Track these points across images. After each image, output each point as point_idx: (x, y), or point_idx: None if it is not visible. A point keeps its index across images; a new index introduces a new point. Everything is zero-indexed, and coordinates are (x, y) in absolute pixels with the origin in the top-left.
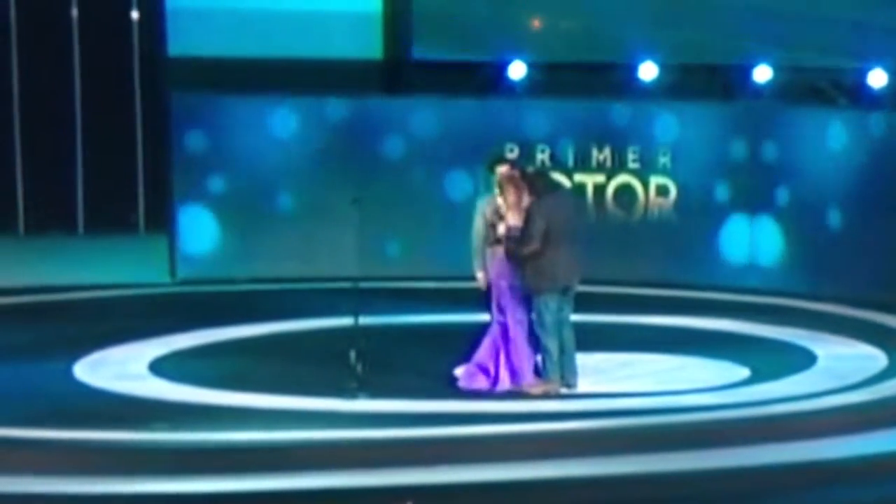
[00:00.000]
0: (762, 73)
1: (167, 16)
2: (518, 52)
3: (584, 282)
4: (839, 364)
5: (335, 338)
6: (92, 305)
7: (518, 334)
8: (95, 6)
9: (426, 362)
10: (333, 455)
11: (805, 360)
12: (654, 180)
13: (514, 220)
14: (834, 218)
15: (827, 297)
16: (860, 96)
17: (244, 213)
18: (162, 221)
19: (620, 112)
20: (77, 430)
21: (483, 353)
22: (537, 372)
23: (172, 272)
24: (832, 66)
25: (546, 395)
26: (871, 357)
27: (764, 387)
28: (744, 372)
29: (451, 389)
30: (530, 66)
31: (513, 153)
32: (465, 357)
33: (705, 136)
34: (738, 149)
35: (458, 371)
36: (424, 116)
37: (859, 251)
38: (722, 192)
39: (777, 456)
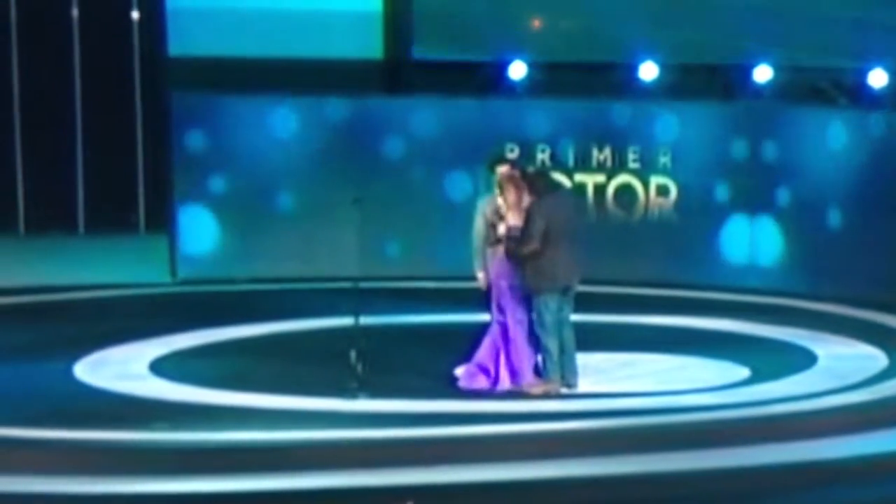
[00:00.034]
0: (762, 73)
1: (167, 16)
2: (518, 52)
3: (585, 282)
4: (839, 364)
5: (335, 338)
6: (92, 305)
7: (518, 334)
8: (96, 6)
9: (426, 362)
10: (334, 455)
11: (805, 360)
12: (655, 180)
13: (514, 219)
14: (834, 218)
15: (827, 297)
16: (860, 96)
17: (244, 212)
18: (162, 221)
19: (621, 112)
20: (77, 430)
21: (483, 353)
22: (538, 372)
23: (173, 272)
24: (832, 65)
25: (546, 395)
26: (872, 357)
27: (764, 387)
28: (744, 372)
29: (452, 389)
30: (531, 65)
31: (513, 153)
32: (466, 357)
33: (705, 136)
34: (739, 149)
35: (459, 371)
36: (425, 116)
37: (859, 251)
38: (722, 192)
39: (777, 456)
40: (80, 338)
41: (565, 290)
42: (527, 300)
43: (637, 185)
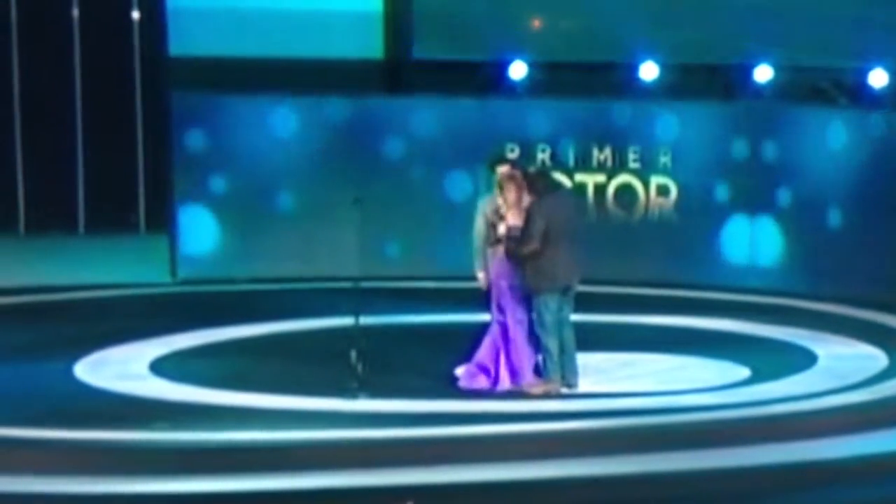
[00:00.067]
0: (763, 73)
1: (168, 15)
2: (519, 52)
3: (585, 282)
4: (839, 364)
5: (336, 338)
6: (92, 305)
7: (518, 334)
8: (96, 6)
9: (426, 362)
10: (334, 455)
11: (805, 360)
12: (655, 180)
13: (514, 219)
14: (834, 218)
15: (827, 297)
16: (861, 96)
17: (245, 212)
18: (162, 221)
19: (621, 112)
20: (78, 430)
21: (483, 353)
22: (538, 372)
23: (173, 272)
24: (833, 65)
25: (547, 395)
26: (872, 357)
27: (764, 387)
28: (744, 372)
29: (452, 389)
30: (531, 65)
31: (513, 153)
32: (466, 357)
33: (706, 136)
34: (739, 149)
35: (459, 371)
36: (425, 116)
37: (860, 251)
38: (722, 192)
39: (777, 456)
40: (81, 338)
41: (565, 290)
42: (527, 300)
43: (637, 184)
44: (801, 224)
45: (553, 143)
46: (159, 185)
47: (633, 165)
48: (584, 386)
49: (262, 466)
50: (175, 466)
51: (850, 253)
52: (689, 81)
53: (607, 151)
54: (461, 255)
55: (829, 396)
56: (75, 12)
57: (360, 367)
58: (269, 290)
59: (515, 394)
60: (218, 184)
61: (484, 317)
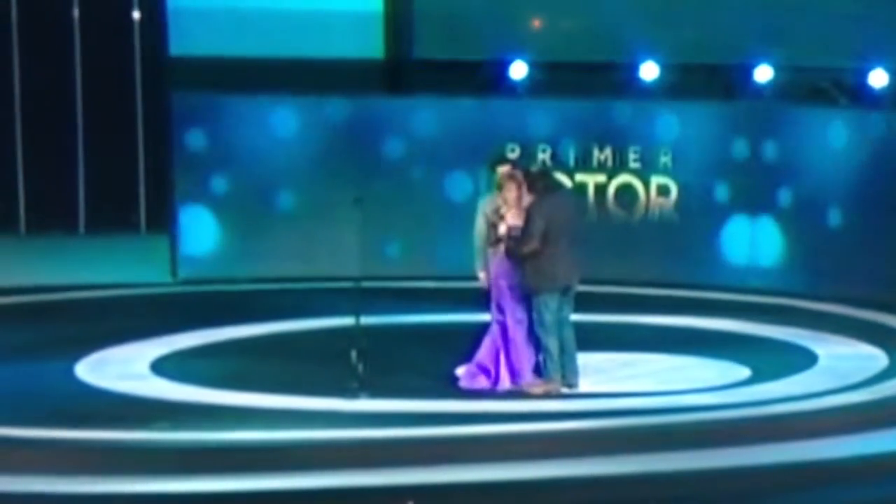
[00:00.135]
0: (763, 73)
1: (168, 15)
2: (519, 52)
3: (585, 282)
4: (840, 364)
5: (336, 337)
6: (93, 305)
7: (518, 334)
8: (97, 6)
9: (427, 362)
10: (334, 455)
11: (806, 360)
12: (655, 180)
13: (514, 219)
14: (835, 218)
15: (827, 297)
16: (861, 96)
17: (245, 212)
18: (163, 221)
19: (621, 112)
20: (78, 429)
21: (483, 353)
22: (538, 372)
23: (173, 272)
24: (833, 66)
25: (547, 395)
26: (872, 357)
27: (765, 387)
28: (745, 372)
29: (452, 389)
30: (531, 65)
31: (514, 153)
32: (467, 357)
33: (706, 136)
34: (739, 149)
35: (460, 371)
36: (425, 116)
37: (860, 251)
38: (723, 192)
39: (778, 456)
40: (81, 338)
41: (565, 290)
42: (526, 300)
43: (638, 184)
44: (802, 224)
45: (553, 143)
46: (160, 185)
47: (633, 165)
48: (584, 386)
49: (262, 466)
50: (175, 466)
51: (850, 253)
52: (690, 81)
53: (608, 151)
54: (461, 255)
55: (829, 396)
56: (76, 12)
57: (360, 367)
58: (270, 290)
59: (516, 394)
60: (218, 184)
61: (484, 317)
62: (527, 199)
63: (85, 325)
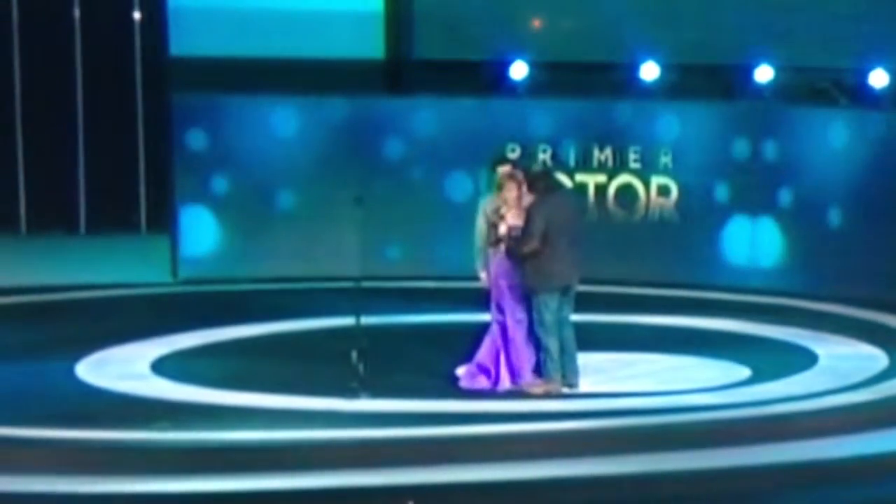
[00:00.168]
0: (763, 73)
1: (169, 15)
2: (519, 52)
3: (586, 282)
4: (840, 364)
5: (337, 337)
6: (94, 305)
7: (518, 334)
8: (97, 6)
9: (427, 362)
10: (334, 455)
11: (806, 360)
12: (656, 180)
13: (514, 219)
14: (835, 218)
15: (828, 297)
16: (861, 96)
17: (246, 212)
18: (163, 221)
19: (622, 112)
20: (79, 429)
21: (484, 353)
22: (538, 372)
23: (174, 272)
24: (833, 66)
25: (547, 395)
26: (872, 357)
27: (765, 387)
28: (745, 372)
29: (453, 389)
30: (532, 65)
31: (514, 153)
32: (467, 357)
33: (706, 136)
34: (740, 149)
35: (460, 371)
36: (426, 116)
37: (860, 251)
38: (723, 192)
39: (778, 456)
40: (82, 337)
41: (565, 290)
42: (526, 300)
43: (638, 185)
44: (802, 224)
45: (554, 143)
46: (160, 185)
47: (633, 165)
48: (584, 386)
49: (262, 466)
50: (175, 466)
51: (850, 253)
52: (690, 81)
53: (608, 151)
54: (461, 255)
55: (829, 396)
56: (76, 12)
57: (360, 367)
58: (270, 290)
59: (516, 394)
60: (219, 184)
61: (484, 317)
62: (527, 198)
63: (85, 324)
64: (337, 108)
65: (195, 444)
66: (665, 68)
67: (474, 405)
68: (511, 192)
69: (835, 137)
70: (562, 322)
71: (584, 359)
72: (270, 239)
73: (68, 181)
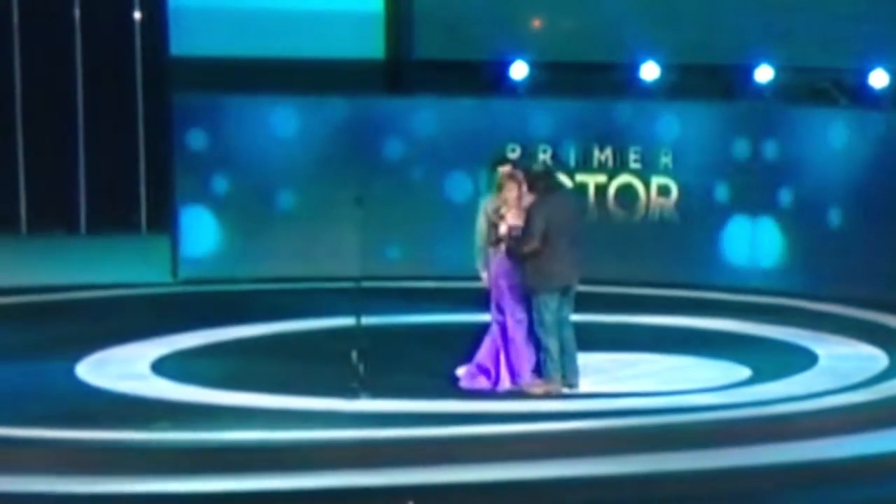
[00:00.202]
0: (764, 74)
1: (169, 15)
2: (520, 52)
3: (586, 282)
4: (840, 364)
5: (337, 338)
6: (94, 305)
7: (518, 334)
8: (98, 6)
9: (427, 362)
10: (335, 455)
11: (806, 360)
12: (656, 180)
13: (514, 219)
14: (835, 218)
15: (828, 298)
16: (861, 96)
17: (246, 212)
18: (164, 221)
19: (622, 112)
20: (79, 429)
21: (484, 353)
22: (538, 372)
23: (174, 272)
24: (833, 66)
25: (547, 395)
26: (872, 357)
27: (765, 387)
28: (745, 372)
29: (453, 389)
30: (532, 65)
31: (515, 153)
32: (467, 357)
33: (707, 136)
34: (740, 149)
35: (460, 371)
36: (426, 116)
37: (860, 251)
38: (723, 192)
39: (778, 456)
40: (82, 337)
41: (565, 290)
42: (526, 300)
43: (638, 185)
44: (802, 224)
45: (554, 143)
46: (160, 185)
47: (633, 166)
48: (584, 386)
49: (262, 466)
50: (175, 466)
51: (850, 253)
52: (690, 81)
53: (608, 151)
54: (461, 255)
55: (829, 396)
56: (77, 12)
57: (360, 368)
58: (270, 290)
59: (516, 394)
60: (219, 184)
61: (484, 317)
62: (527, 198)
63: (86, 325)
64: (337, 108)
65: (195, 445)
66: (665, 68)
67: (474, 405)
68: (511, 192)
69: (835, 137)
70: (562, 322)
71: (585, 359)
72: (270, 239)
73: (69, 181)
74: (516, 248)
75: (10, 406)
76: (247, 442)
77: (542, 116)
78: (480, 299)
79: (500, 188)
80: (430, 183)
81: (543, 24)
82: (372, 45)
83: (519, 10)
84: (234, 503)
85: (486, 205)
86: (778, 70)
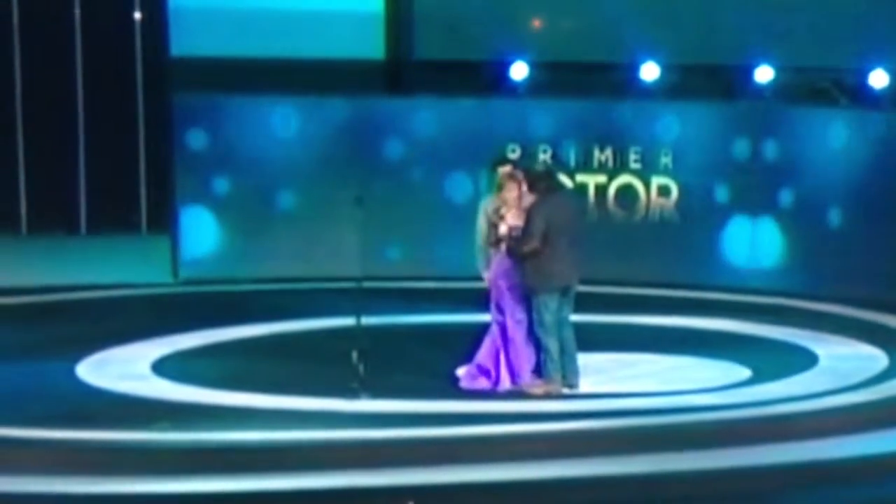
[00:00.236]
0: (764, 74)
1: (170, 16)
2: (520, 52)
3: (586, 282)
4: (840, 364)
5: (337, 338)
6: (94, 305)
7: (517, 334)
8: (98, 6)
9: (428, 363)
10: (335, 455)
11: (806, 360)
12: (656, 180)
13: (514, 219)
14: (835, 218)
15: (828, 298)
16: (861, 97)
17: (246, 213)
18: (164, 221)
19: (622, 112)
20: (79, 430)
21: (484, 353)
22: (538, 372)
23: (175, 272)
24: (833, 66)
25: (548, 396)
26: (872, 357)
27: (765, 387)
28: (745, 372)
29: (453, 390)
30: (532, 66)
31: (515, 154)
32: (468, 357)
33: (707, 137)
34: (740, 149)
35: (461, 372)
36: (426, 116)
37: (860, 251)
38: (723, 193)
39: (778, 456)
40: (83, 338)
41: (565, 291)
42: (526, 300)
43: (638, 185)
44: (802, 224)
45: (554, 143)
46: (161, 186)
47: (634, 166)
48: (585, 386)
49: (263, 466)
50: (175, 466)
51: (850, 253)
52: (690, 82)
53: (608, 152)
54: (462, 256)
55: (830, 397)
56: (77, 12)
57: (361, 368)
58: (271, 291)
59: (516, 394)
60: (219, 184)
61: (484, 317)
62: (528, 198)
63: (86, 325)
64: (337, 108)
65: (195, 445)
66: (665, 68)
67: (475, 406)
68: (511, 192)
69: (835, 137)
70: (562, 322)
71: (585, 359)
72: (271, 239)
73: (69, 181)
74: (516, 249)
75: (10, 406)
76: (247, 442)
77: (543, 117)
78: (480, 299)
79: (500, 188)
80: (431, 183)
81: (543, 24)
82: (372, 46)
83: (519, 10)
84: (233, 503)
85: (487, 205)
86: (778, 70)
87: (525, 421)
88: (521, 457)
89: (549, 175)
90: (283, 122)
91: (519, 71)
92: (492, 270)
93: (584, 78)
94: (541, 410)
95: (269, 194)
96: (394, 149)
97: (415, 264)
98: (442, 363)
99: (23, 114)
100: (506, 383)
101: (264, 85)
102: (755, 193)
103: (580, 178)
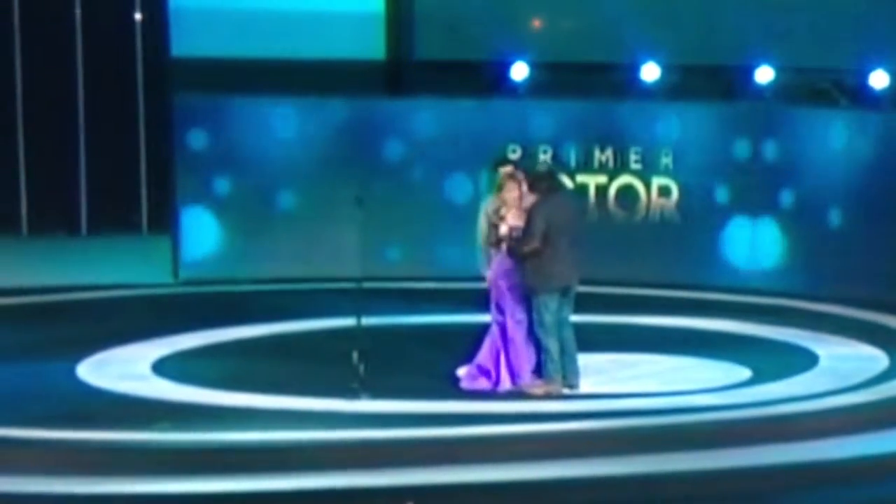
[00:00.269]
0: (764, 74)
1: (170, 16)
2: (520, 53)
3: (587, 282)
4: (841, 365)
5: (338, 338)
6: (95, 306)
7: (517, 335)
8: (99, 7)
9: (428, 363)
10: (335, 455)
11: (806, 360)
12: (657, 181)
13: (514, 219)
14: (835, 219)
15: (828, 298)
16: (861, 97)
17: (247, 213)
18: (165, 222)
19: (622, 113)
20: (79, 430)
21: (484, 354)
22: (539, 373)
23: (175, 273)
24: (833, 67)
25: (548, 396)
26: (873, 358)
27: (766, 387)
28: (745, 372)
29: (454, 390)
30: (533, 66)
31: (515, 154)
32: (468, 358)
33: (707, 137)
34: (740, 149)
35: (461, 372)
36: (426, 117)
37: (860, 252)
38: (723, 193)
39: (779, 456)
40: (83, 338)
41: (565, 291)
42: (526, 300)
43: (639, 185)
44: (802, 225)
45: (555, 144)
46: (161, 186)
47: (634, 166)
48: (585, 386)
49: (263, 467)
50: (175, 466)
51: (850, 253)
52: (691, 82)
53: (609, 152)
54: (462, 256)
55: (830, 397)
56: (77, 13)
57: (361, 368)
58: (271, 291)
59: (517, 395)
60: (220, 185)
61: (484, 318)
62: (528, 199)
63: (86, 325)
64: (337, 108)
65: (195, 445)
66: (666, 69)
67: (475, 406)
68: (511, 192)
69: (835, 138)
70: (562, 323)
71: (585, 359)
72: (271, 240)
73: (69, 182)
74: (517, 249)
75: (10, 406)
76: (247, 442)
77: (543, 117)
78: (480, 300)
79: (500, 189)
80: (431, 184)
81: (543, 25)
82: (372, 46)
83: (519, 11)
84: (233, 503)
85: (487, 205)
86: (778, 71)
87: (525, 421)
88: (521, 457)
89: (549, 175)
90: (284, 122)
91: (519, 71)
92: (492, 270)
93: (585, 78)
94: (541, 411)
95: (270, 195)
96: (394, 149)
97: (415, 265)
98: (442, 364)
99: (23, 114)
100: (506, 384)
101: (265, 85)
102: (755, 194)
103: (581, 178)
